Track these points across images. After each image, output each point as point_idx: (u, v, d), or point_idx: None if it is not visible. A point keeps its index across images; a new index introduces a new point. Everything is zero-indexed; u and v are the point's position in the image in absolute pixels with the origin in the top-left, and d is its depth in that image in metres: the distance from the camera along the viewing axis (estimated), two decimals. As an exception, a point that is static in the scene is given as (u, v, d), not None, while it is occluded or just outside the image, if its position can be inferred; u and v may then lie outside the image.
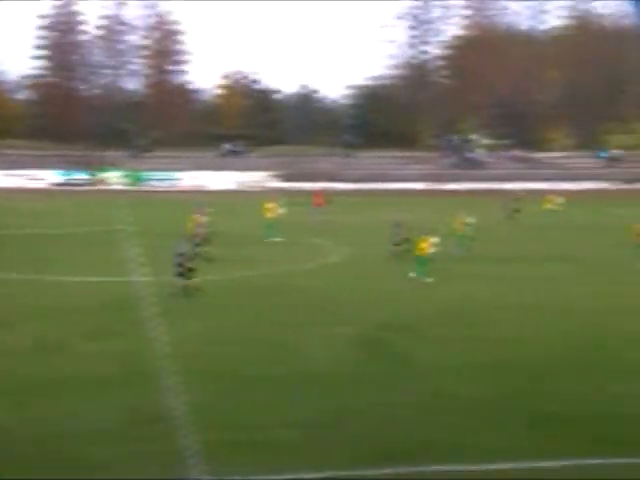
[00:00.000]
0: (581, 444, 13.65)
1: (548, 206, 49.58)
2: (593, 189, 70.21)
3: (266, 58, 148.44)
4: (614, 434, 14.05)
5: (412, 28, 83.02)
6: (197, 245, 29.88)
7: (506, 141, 79.15)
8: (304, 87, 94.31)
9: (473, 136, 76.57)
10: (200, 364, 17.87)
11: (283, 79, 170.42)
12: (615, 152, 75.60)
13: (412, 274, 27.88)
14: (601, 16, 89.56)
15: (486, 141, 78.64)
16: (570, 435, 14.08)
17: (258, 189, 66.18)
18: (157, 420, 14.42)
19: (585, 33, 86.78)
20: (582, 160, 76.76)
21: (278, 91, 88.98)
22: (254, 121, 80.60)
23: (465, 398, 15.92)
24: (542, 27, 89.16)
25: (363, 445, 13.60)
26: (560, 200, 49.62)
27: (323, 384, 16.76)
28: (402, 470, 12.60)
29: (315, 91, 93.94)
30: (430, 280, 27.38)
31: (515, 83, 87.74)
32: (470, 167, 72.86)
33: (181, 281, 24.49)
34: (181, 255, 24.51)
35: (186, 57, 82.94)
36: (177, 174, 69.44)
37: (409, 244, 30.67)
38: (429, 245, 27.78)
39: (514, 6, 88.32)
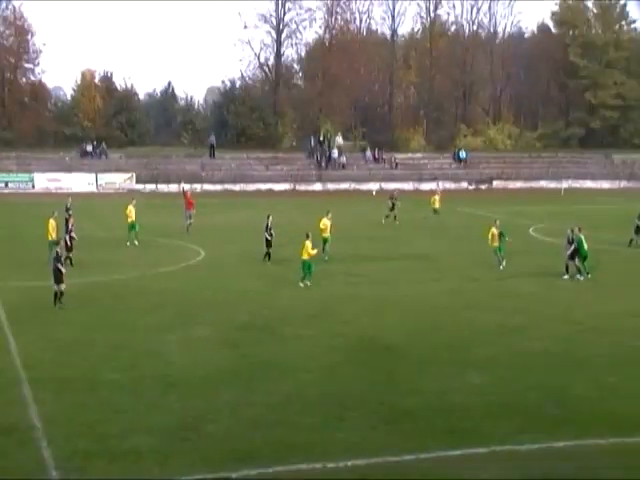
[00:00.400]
0: (436, 436, 14.15)
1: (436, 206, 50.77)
2: (448, 189, 72.80)
3: (126, 58, 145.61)
4: (467, 425, 14.67)
5: (272, 29, 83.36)
6: (67, 249, 29.05)
7: (366, 142, 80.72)
8: (165, 88, 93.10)
9: (333, 137, 77.58)
10: (49, 372, 17.39)
11: (144, 79, 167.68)
12: (465, 153, 78.50)
13: (301, 284, 27.13)
14: (454, 22, 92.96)
15: (346, 142, 79.84)
16: (424, 428, 14.58)
17: (118, 191, 64.76)
18: (7, 432, 13.94)
19: (441, 37, 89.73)
20: (438, 161, 79.25)
21: (138, 91, 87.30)
22: (113, 121, 78.75)
23: (322, 396, 16.18)
24: (399, 31, 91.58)
25: (223, 447, 13.62)
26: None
27: (181, 387, 16.65)
28: (264, 470, 12.72)
29: (176, 92, 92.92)
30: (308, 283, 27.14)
31: (374, 85, 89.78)
32: (331, 168, 73.91)
33: (56, 287, 23.53)
34: (57, 260, 23.56)
35: (40, 55, 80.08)
36: (31, 175, 66.83)
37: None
38: (311, 248, 27.17)
39: (372, 10, 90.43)
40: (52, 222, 31.55)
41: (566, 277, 29.03)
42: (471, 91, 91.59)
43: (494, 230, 31.22)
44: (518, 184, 75.91)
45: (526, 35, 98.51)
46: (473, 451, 13.52)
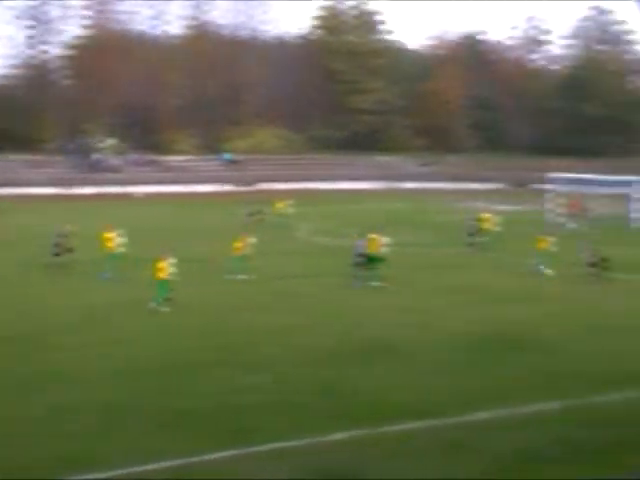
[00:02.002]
0: (216, 438, 14.31)
1: (283, 209, 50.71)
2: (218, 191, 73.35)
3: None
4: (248, 424, 14.96)
5: (31, 27, 79.57)
6: None
7: (133, 144, 79.28)
8: None
9: (99, 139, 75.49)
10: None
11: None
12: (236, 156, 79.43)
13: (152, 304, 24.50)
14: (221, 25, 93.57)
15: (112, 144, 77.97)
16: (205, 430, 14.71)
17: None
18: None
19: (206, 40, 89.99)
20: (206, 163, 79.59)
21: None
22: None
23: (95, 404, 15.88)
24: (167, 32, 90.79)
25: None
26: (290, 202, 50.90)
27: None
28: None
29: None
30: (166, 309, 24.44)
31: (141, 86, 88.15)
32: (97, 170, 71.89)
33: None
34: None
35: None
36: None
37: (71, 254, 30.75)
38: (167, 268, 24.78)
39: (138, 9, 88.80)
40: None
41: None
42: (240, 93, 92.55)
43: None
44: (287, 186, 77.82)
45: (292, 40, 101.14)
46: (254, 449, 13.79)
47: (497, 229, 38.80)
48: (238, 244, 30.48)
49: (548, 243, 31.52)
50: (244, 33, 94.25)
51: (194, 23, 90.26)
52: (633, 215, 47.42)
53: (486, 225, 38.70)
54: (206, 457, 13.42)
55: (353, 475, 13.00)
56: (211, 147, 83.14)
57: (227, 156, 78.95)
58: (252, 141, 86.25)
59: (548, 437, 14.43)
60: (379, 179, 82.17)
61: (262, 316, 23.88)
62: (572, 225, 45.69)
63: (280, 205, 51.23)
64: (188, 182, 73.11)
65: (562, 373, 18.23)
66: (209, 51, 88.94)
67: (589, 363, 19.15)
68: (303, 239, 42.32)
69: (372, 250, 29.24)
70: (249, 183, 76.72)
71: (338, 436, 14.44)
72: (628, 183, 51.71)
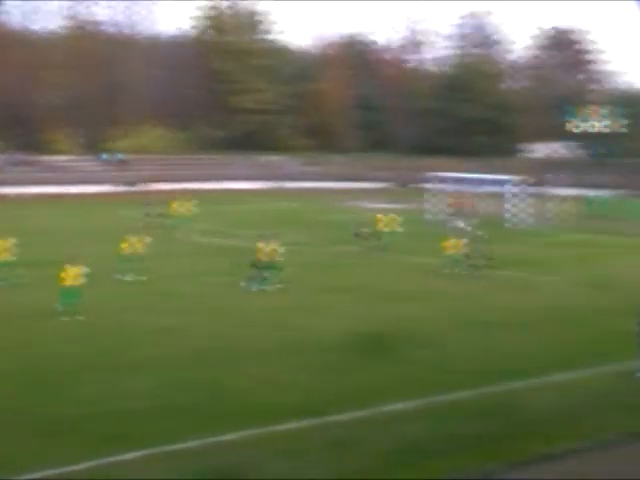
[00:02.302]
0: (96, 444, 13.90)
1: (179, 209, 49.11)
2: (100, 192, 71.78)
3: None
4: (130, 429, 14.62)
5: None
6: None
7: (11, 143, 76.50)
8: None
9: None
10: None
11: None
12: (119, 155, 77.82)
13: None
14: (101, 22, 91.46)
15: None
16: (84, 437, 14.27)
17: None
18: None
19: (85, 38, 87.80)
20: (88, 163, 77.63)
21: None
22: None
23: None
24: (44, 29, 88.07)
25: None
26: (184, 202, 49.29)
27: None
28: None
29: None
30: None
31: (16, 84, 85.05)
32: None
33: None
34: None
35: None
36: None
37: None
38: (76, 275, 23.96)
39: (11, 5, 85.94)
40: None
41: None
42: (121, 93, 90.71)
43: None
44: (171, 186, 76.80)
45: (172, 38, 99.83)
46: (136, 454, 13.50)
47: (389, 229, 38.76)
48: (124, 244, 29.92)
49: (456, 245, 31.56)
50: (126, 31, 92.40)
51: (72, 19, 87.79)
52: (507, 214, 48.73)
53: (379, 225, 38.67)
54: (82, 465, 12.99)
55: (240, 475, 12.90)
56: (94, 147, 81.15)
57: (111, 156, 77.16)
58: (137, 141, 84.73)
59: (429, 431, 14.71)
60: (266, 179, 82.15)
61: (147, 317, 23.47)
62: (459, 224, 46.56)
63: (175, 205, 49.93)
64: (71, 182, 71.12)
65: (444, 368, 18.63)
66: (89, 49, 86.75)
67: (470, 358, 19.64)
68: (194, 240, 41.81)
69: (264, 258, 28.64)
70: (133, 183, 75.33)
71: (224, 437, 14.30)
72: (503, 182, 53.40)
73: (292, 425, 14.98)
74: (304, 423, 15.09)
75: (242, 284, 28.21)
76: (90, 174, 74.86)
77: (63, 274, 24.05)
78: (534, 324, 23.28)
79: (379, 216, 39.46)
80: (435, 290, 28.47)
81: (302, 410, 15.74)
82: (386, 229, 38.49)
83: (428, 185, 54.17)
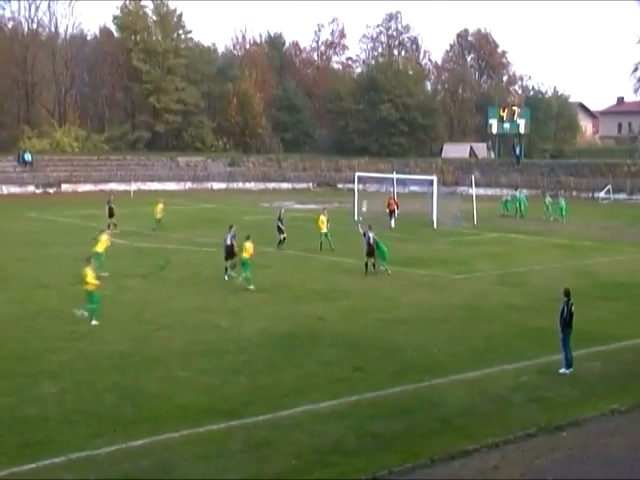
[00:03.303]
0: (7, 452, 13.46)
1: None
2: (13, 193, 70.09)
3: None
4: (42, 436, 14.18)
5: None
6: None
7: None
8: None
9: None
10: None
11: None
12: (30, 156, 75.77)
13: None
14: (16, 20, 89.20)
15: None
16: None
17: None
18: None
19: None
20: (1, 164, 75.34)
21: None
22: None
23: None
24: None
25: None
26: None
27: None
28: None
29: None
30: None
31: None
32: None
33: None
34: None
35: None
36: None
37: None
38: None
39: None
40: None
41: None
42: (34, 91, 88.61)
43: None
44: (87, 187, 75.47)
45: (89, 37, 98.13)
46: (49, 462, 13.09)
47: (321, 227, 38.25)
48: None
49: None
50: (40, 29, 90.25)
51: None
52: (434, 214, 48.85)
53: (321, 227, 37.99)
54: (1, 472, 12.58)
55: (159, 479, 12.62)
56: (6, 147, 78.85)
57: (25, 157, 75.13)
58: (50, 141, 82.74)
59: (350, 430, 14.67)
60: (184, 180, 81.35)
61: (56, 322, 22.78)
62: (391, 223, 46.88)
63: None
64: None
65: (358, 367, 18.61)
66: (1, 47, 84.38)
67: (384, 356, 19.68)
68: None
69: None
70: (49, 185, 73.61)
71: (139, 442, 13.97)
72: (426, 182, 53.78)
73: (211, 427, 14.75)
74: (223, 425, 14.87)
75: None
76: (2, 175, 72.78)
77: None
78: (452, 321, 23.54)
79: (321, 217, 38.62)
80: (356, 289, 28.53)
81: (220, 411, 15.52)
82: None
83: (356, 185, 54.17)
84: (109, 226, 36.65)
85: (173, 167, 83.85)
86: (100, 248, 29.57)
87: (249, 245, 28.27)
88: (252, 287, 27.73)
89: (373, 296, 27.30)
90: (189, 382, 17.48)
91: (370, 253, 30.94)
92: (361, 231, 32.18)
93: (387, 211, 47.73)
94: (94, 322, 22.47)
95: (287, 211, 42.61)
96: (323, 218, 37.20)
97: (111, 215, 44.14)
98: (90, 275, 22.79)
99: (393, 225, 46.67)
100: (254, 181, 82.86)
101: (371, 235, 31.03)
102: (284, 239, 37.65)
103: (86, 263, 23.32)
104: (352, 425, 14.91)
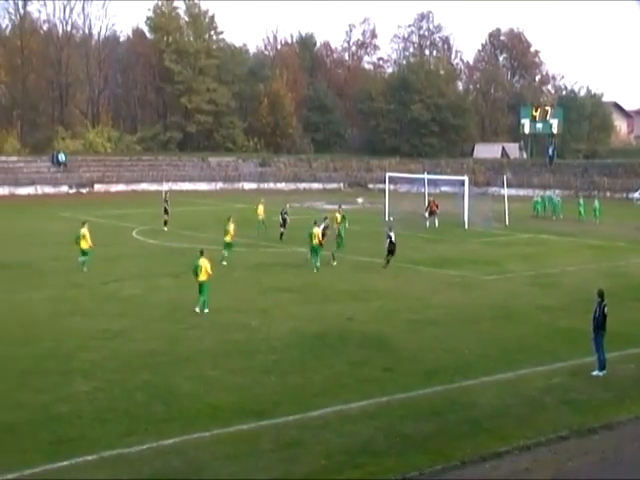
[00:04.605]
0: (41, 450, 13.55)
1: None
2: (48, 193, 70.81)
3: None
4: (75, 434, 14.29)
5: None
6: None
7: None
8: None
9: None
10: None
11: None
12: (64, 156, 76.41)
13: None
14: (45, 21, 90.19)
15: None
16: (28, 443, 13.90)
17: None
18: None
19: (33, 36, 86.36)
20: (35, 164, 76.13)
21: None
22: None
23: None
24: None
25: None
26: None
27: None
28: None
29: None
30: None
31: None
32: None
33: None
34: None
35: None
36: None
37: None
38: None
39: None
40: None
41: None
42: (68, 93, 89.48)
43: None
44: (120, 187, 76.06)
45: (122, 39, 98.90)
46: (81, 459, 13.21)
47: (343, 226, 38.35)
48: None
49: None
50: (74, 30, 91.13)
51: (17, 17, 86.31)
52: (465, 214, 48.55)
53: (334, 225, 38.10)
54: (27, 471, 12.68)
55: (189, 478, 12.67)
56: (40, 148, 79.66)
57: (59, 157, 75.85)
58: (84, 141, 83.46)
59: (380, 431, 14.63)
60: (215, 180, 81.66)
61: (89, 321, 23.00)
62: (427, 223, 46.92)
63: None
64: (14, 184, 70.06)
65: (388, 367, 18.55)
66: (34, 47, 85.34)
67: (414, 357, 19.60)
68: (137, 240, 41.21)
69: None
70: (82, 185, 74.29)
71: (170, 441, 14.04)
72: (458, 183, 53.27)
73: (242, 427, 14.79)
74: (253, 425, 14.90)
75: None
76: (36, 175, 73.55)
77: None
78: (483, 322, 23.38)
79: (336, 215, 38.88)
80: (386, 289, 28.44)
81: (251, 411, 15.55)
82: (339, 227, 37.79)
83: (380, 185, 54.04)
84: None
85: (204, 167, 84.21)
86: (229, 238, 32.58)
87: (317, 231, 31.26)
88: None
89: (403, 296, 27.21)
90: (219, 381, 17.54)
91: (391, 251, 31.80)
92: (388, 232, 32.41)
93: (426, 214, 47.77)
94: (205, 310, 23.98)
95: (317, 211, 42.58)
96: (337, 216, 37.50)
97: (166, 212, 45.00)
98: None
99: (428, 225, 46.67)
100: (285, 181, 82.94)
101: (392, 234, 31.84)
102: (282, 234, 40.09)
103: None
104: (382, 426, 14.87)
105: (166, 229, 42.91)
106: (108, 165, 79.41)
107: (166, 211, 44.27)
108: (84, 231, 31.14)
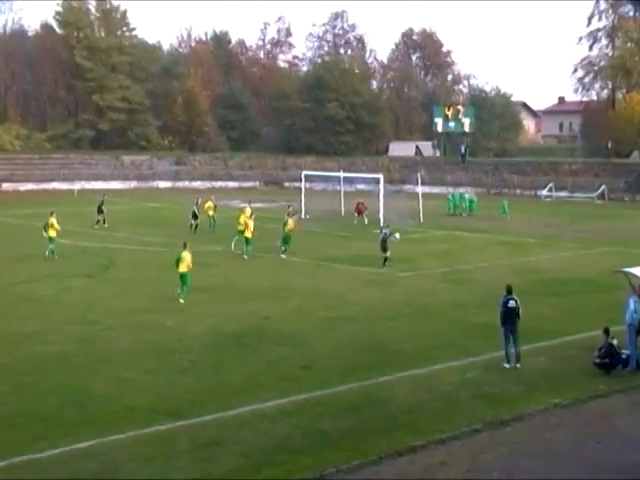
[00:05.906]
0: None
1: None
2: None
3: None
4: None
5: None
6: None
7: None
8: None
9: None
10: None
11: None
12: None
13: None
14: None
15: None
16: None
17: None
18: None
19: None
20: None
21: None
22: None
23: None
24: None
25: None
26: None
27: None
28: None
29: None
30: None
31: None
32: None
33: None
34: None
35: None
36: None
37: None
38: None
39: None
40: None
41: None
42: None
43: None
44: (29, 186, 74.07)
45: (30, 33, 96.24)
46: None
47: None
48: None
49: None
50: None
51: None
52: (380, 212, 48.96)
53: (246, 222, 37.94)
54: None
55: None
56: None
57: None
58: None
59: (295, 429, 14.66)
60: (129, 178, 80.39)
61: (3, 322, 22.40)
62: (363, 222, 47.42)
63: None
64: None
65: (305, 365, 18.62)
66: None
67: (332, 355, 19.73)
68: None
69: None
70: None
71: (85, 444, 13.77)
72: (376, 180, 53.38)
73: (159, 427, 14.62)
74: (169, 426, 14.74)
75: None
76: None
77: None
78: (398, 318, 23.68)
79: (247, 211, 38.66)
80: (303, 287, 28.53)
81: (168, 412, 15.39)
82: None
83: (296, 184, 54.11)
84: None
85: (118, 166, 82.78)
86: (246, 234, 34.19)
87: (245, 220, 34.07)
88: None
89: (320, 294, 27.33)
90: (135, 382, 17.29)
91: (384, 249, 32.50)
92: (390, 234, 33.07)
93: (355, 214, 48.60)
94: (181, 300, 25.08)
95: (233, 209, 42.44)
96: (248, 211, 37.84)
97: (100, 212, 44.96)
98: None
99: (356, 223, 47.32)
100: (200, 180, 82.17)
101: (387, 232, 32.99)
102: (197, 225, 42.57)
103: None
104: (299, 424, 14.92)
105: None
106: (17, 163, 77.26)
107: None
108: (52, 220, 33.00)
